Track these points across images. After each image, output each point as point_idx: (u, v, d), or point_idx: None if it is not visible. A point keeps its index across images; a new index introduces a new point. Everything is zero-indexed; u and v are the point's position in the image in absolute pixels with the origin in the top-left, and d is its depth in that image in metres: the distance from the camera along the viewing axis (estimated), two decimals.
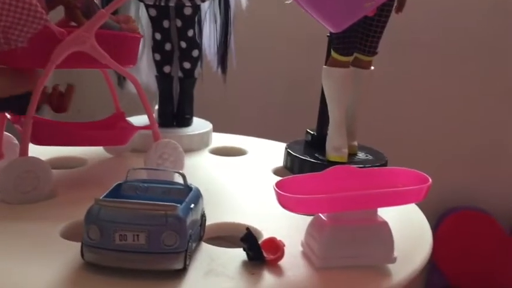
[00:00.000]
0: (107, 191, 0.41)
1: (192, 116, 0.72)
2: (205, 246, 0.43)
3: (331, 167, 0.44)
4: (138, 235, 0.36)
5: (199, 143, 0.70)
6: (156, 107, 0.72)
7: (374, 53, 0.62)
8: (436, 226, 1.18)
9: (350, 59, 0.60)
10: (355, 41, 0.60)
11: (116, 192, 0.42)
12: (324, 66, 0.61)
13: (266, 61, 1.09)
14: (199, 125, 0.73)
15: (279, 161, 0.66)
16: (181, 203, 0.38)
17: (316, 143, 0.65)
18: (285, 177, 0.43)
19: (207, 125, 0.73)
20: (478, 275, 1.17)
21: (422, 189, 0.41)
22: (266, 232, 0.46)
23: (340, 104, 0.61)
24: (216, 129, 0.74)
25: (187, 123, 0.71)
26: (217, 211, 0.51)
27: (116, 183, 0.42)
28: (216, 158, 0.68)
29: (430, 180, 0.42)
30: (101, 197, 0.38)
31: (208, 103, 0.80)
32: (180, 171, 0.43)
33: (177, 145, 0.57)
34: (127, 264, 0.37)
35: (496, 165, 1.18)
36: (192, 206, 0.40)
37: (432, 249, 1.23)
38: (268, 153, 0.71)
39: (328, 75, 0.60)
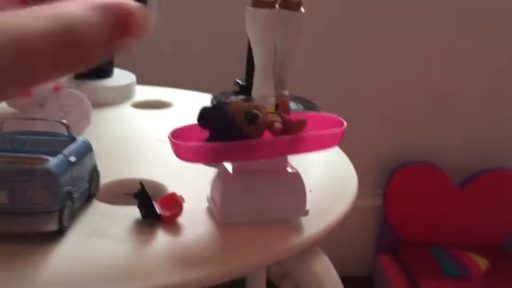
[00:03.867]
0: None
1: (112, 67, 0.66)
2: (96, 205, 0.39)
3: None
4: None
5: (119, 96, 0.64)
6: None
7: None
8: (388, 181, 1.17)
9: None
10: None
11: None
12: (248, 7, 0.56)
13: (192, 5, 1.02)
14: (120, 76, 0.67)
15: None
16: None
17: (245, 94, 0.61)
18: (183, 125, 0.38)
19: (130, 77, 0.67)
20: (428, 228, 1.17)
21: (336, 134, 0.37)
22: (173, 187, 0.42)
23: (265, 48, 0.56)
24: (140, 81, 0.69)
25: (106, 74, 0.65)
26: (123, 167, 0.46)
27: None
28: (136, 112, 0.63)
29: (345, 124, 0.38)
30: None
31: (131, 53, 0.74)
32: (63, 121, 0.37)
33: (82, 96, 0.51)
34: None
35: (447, 120, 1.17)
36: (73, 159, 0.35)
37: (383, 205, 1.22)
38: (194, 105, 0.65)
39: (251, 17, 0.55)
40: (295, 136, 0.37)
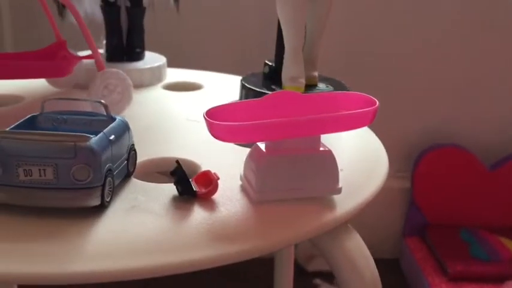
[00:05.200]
0: (17, 122, 0.37)
1: (143, 49, 0.67)
2: (134, 182, 0.40)
3: (270, 93, 0.40)
4: (44, 169, 0.33)
5: (151, 78, 0.65)
6: (105, 41, 0.67)
7: None
8: (416, 163, 1.16)
9: None
10: None
11: (29, 124, 0.38)
12: None
13: None
14: (151, 59, 0.68)
15: (236, 95, 0.62)
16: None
17: (274, 75, 0.61)
18: (218, 105, 0.39)
19: (161, 59, 0.68)
20: (457, 211, 1.16)
21: (368, 113, 0.37)
22: (206, 166, 0.43)
23: (296, 29, 0.56)
24: (171, 64, 0.70)
25: (137, 57, 0.66)
26: (160, 146, 0.47)
27: (30, 115, 0.38)
28: (168, 93, 0.64)
29: (378, 103, 0.38)
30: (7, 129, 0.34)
31: (162, 36, 0.75)
32: (101, 101, 0.38)
33: (124, 75, 0.53)
34: (35, 202, 0.33)
35: (477, 102, 1.15)
36: (112, 137, 0.36)
37: (411, 187, 1.21)
38: (225, 87, 0.66)
39: None
40: (327, 115, 0.37)
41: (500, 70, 1.13)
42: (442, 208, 1.17)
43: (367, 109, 0.37)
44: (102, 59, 0.53)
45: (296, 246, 1.04)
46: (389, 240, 1.19)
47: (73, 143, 0.33)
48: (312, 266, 1.15)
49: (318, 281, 1.11)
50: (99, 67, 0.51)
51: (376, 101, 0.38)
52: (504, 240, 1.10)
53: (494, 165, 1.15)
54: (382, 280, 0.40)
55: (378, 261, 0.40)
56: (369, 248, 0.41)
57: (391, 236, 1.19)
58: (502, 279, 1.01)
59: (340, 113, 0.37)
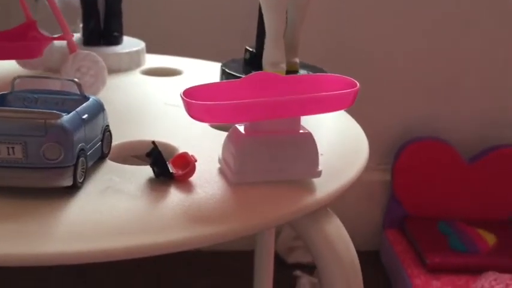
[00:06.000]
0: None
1: (121, 33, 0.66)
2: (109, 164, 0.39)
3: (250, 74, 0.39)
4: (13, 147, 0.31)
5: (129, 63, 0.64)
6: (81, 24, 0.65)
7: None
8: (397, 156, 1.16)
9: None
10: None
11: None
12: None
13: None
14: (130, 43, 0.66)
15: (216, 81, 0.61)
16: None
17: (255, 61, 0.60)
18: (196, 85, 0.38)
19: (139, 44, 0.67)
20: (436, 203, 1.17)
21: (348, 94, 0.37)
22: (184, 149, 0.42)
23: (277, 14, 0.55)
24: (149, 50, 0.68)
25: (115, 41, 0.65)
26: (136, 129, 0.46)
27: None
28: (146, 78, 0.62)
29: (358, 85, 0.37)
30: None
31: (140, 21, 0.74)
32: (75, 79, 0.37)
33: (97, 58, 0.52)
34: (4, 181, 0.32)
35: (457, 97, 1.16)
36: (86, 116, 0.35)
37: (391, 180, 1.22)
38: (205, 73, 0.65)
39: None
40: (307, 96, 0.37)
41: (480, 66, 1.14)
42: (421, 200, 1.17)
43: (347, 90, 0.37)
44: (76, 42, 0.51)
45: (276, 238, 1.03)
46: (369, 232, 1.19)
47: (43, 120, 0.31)
48: (292, 258, 1.15)
49: (298, 272, 1.11)
50: (71, 49, 0.50)
51: (357, 83, 0.37)
52: (482, 232, 1.11)
53: (472, 158, 1.17)
54: (362, 272, 0.40)
55: (358, 253, 0.40)
56: None
57: (371, 228, 1.19)
58: (479, 271, 1.02)
59: (321, 94, 0.37)
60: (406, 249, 1.11)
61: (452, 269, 1.04)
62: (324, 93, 0.36)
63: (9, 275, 0.95)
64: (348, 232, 0.40)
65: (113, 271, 0.96)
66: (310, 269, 1.12)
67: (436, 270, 1.03)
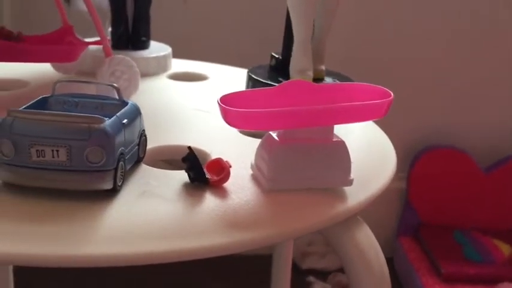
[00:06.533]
0: (28, 104, 0.36)
1: (148, 38, 0.67)
2: (144, 168, 0.39)
3: (284, 82, 0.40)
4: (57, 150, 0.32)
5: (156, 67, 0.65)
6: (110, 29, 0.66)
7: None
8: (412, 164, 1.16)
9: None
10: None
11: (40, 106, 0.37)
12: None
13: None
14: (156, 48, 0.67)
15: (242, 87, 0.62)
16: None
17: (281, 68, 0.61)
18: (232, 92, 0.38)
19: (166, 49, 0.68)
20: (451, 212, 1.17)
21: (383, 104, 0.37)
22: (215, 154, 0.42)
23: (306, 21, 0.55)
24: (176, 55, 0.69)
25: (143, 46, 0.66)
26: (166, 134, 0.47)
27: (41, 97, 0.38)
28: (173, 83, 0.63)
29: (392, 95, 0.38)
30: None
31: (168, 26, 0.75)
32: (114, 84, 0.38)
33: (131, 62, 0.53)
34: (48, 183, 0.33)
35: (475, 105, 1.16)
36: (125, 121, 0.36)
37: (407, 187, 1.21)
38: (230, 79, 0.66)
39: None
40: (342, 105, 0.37)
41: (498, 74, 1.14)
42: (436, 209, 1.17)
43: (381, 100, 0.37)
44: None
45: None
46: (384, 239, 1.19)
47: (87, 125, 0.32)
48: (306, 264, 1.15)
49: (311, 278, 1.11)
50: (107, 53, 0.51)
51: (391, 93, 0.38)
52: (497, 242, 1.10)
53: (489, 168, 1.16)
54: None
55: None
56: None
57: (385, 235, 1.19)
58: (495, 281, 1.02)
59: (355, 103, 0.37)
60: (420, 257, 1.11)
61: (467, 279, 1.03)
62: (358, 103, 0.37)
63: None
64: None
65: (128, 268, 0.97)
66: (323, 275, 1.12)
67: (450, 280, 1.03)
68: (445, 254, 1.08)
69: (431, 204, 1.17)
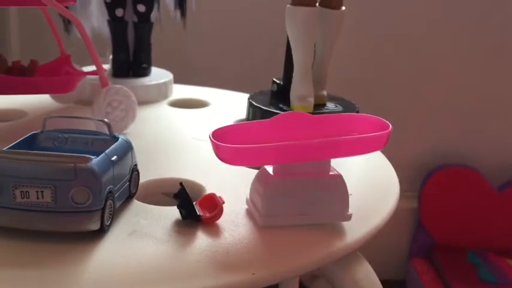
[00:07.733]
0: (16, 141, 0.35)
1: (149, 65, 0.66)
2: (136, 205, 0.38)
3: (280, 114, 0.39)
4: (42, 191, 0.31)
5: (156, 95, 0.64)
6: (111, 56, 0.66)
7: None
8: (423, 184, 1.14)
9: None
10: None
11: (30, 143, 0.36)
12: (288, 6, 0.55)
13: (229, 3, 1.01)
14: (158, 75, 0.67)
15: (243, 113, 0.61)
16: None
17: (282, 93, 0.60)
18: (224, 126, 0.37)
19: (167, 75, 0.67)
20: (464, 232, 1.14)
21: (381, 136, 0.36)
22: (211, 187, 0.41)
23: (305, 48, 0.54)
24: (177, 80, 0.68)
25: (144, 73, 0.65)
26: (161, 165, 0.46)
27: (30, 133, 0.37)
28: (174, 110, 0.62)
29: (391, 126, 0.36)
30: (4, 148, 0.33)
31: (168, 51, 0.74)
32: (105, 120, 0.37)
33: (129, 92, 0.52)
34: (32, 225, 0.32)
35: (485, 122, 1.13)
36: (115, 158, 0.35)
37: (418, 207, 1.19)
38: (232, 105, 0.65)
39: (291, 15, 0.54)
40: (338, 139, 0.36)
41: (509, 93, 1.12)
42: (449, 229, 1.14)
43: (380, 133, 0.36)
44: (107, 75, 0.52)
45: None
46: (396, 260, 1.16)
47: (73, 164, 0.31)
48: (315, 286, 1.13)
49: None
50: (104, 84, 0.50)
51: (389, 124, 0.37)
52: None
53: (502, 187, 1.13)
54: None
55: (384, 282, 0.38)
56: (374, 268, 0.40)
57: (397, 256, 1.17)
58: None
59: (352, 136, 0.36)
60: (433, 279, 1.08)
61: None
62: (356, 136, 0.36)
63: None
64: (374, 260, 0.39)
65: None
66: None
67: None
68: (459, 276, 1.05)
69: (445, 224, 1.14)
